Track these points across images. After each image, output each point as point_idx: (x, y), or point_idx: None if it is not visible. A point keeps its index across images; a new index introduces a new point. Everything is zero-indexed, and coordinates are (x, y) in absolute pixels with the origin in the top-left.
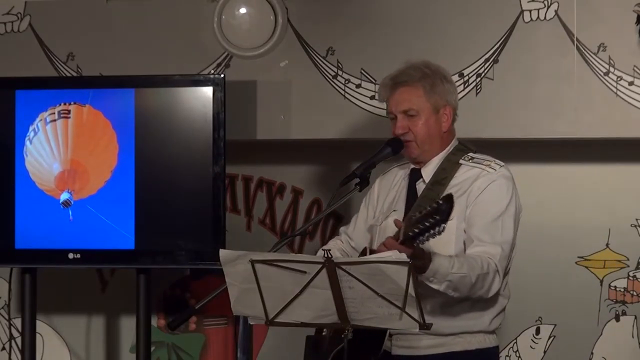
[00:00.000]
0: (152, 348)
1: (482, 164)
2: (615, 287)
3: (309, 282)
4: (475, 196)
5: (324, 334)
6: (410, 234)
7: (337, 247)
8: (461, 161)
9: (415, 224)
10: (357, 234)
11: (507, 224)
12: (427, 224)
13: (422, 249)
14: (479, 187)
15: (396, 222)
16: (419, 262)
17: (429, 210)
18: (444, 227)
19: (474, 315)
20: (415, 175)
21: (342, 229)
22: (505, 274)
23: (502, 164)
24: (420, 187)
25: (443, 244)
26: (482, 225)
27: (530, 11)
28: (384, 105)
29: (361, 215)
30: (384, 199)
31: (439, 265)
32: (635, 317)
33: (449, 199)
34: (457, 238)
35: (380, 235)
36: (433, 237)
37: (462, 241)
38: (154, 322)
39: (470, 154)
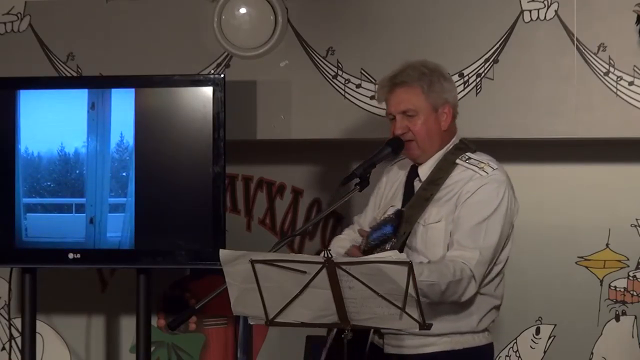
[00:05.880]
0: (152, 348)
1: (476, 166)
2: (615, 287)
3: (309, 282)
4: (464, 199)
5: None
6: (370, 245)
7: (350, 238)
8: (458, 161)
9: (372, 234)
10: (367, 223)
11: (492, 228)
12: (381, 237)
13: None
14: (469, 190)
15: (360, 231)
16: None
17: (379, 223)
18: (394, 241)
19: (462, 316)
20: (413, 173)
21: (355, 218)
22: (499, 274)
23: (496, 166)
24: (417, 185)
25: (432, 245)
26: (465, 229)
27: (530, 11)
28: (384, 105)
29: (370, 205)
30: (388, 191)
31: None
32: (635, 317)
33: (399, 215)
34: (446, 240)
35: None
36: (393, 249)
37: None
38: (154, 322)
39: (468, 154)
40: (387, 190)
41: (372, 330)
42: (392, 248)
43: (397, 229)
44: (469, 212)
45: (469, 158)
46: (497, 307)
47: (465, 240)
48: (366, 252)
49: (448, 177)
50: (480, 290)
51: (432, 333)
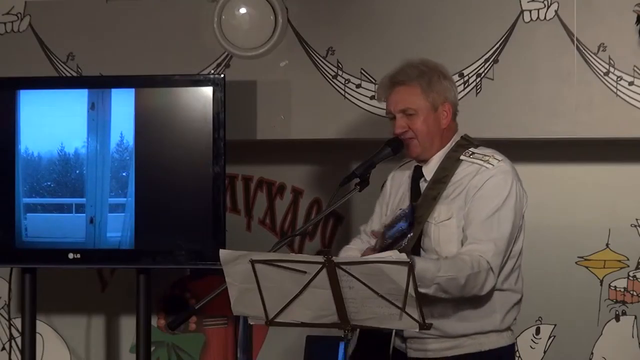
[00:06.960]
0: (152, 348)
1: (481, 160)
2: (615, 287)
3: (309, 282)
4: (472, 193)
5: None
6: (386, 243)
7: (358, 247)
8: (462, 157)
9: (387, 233)
10: None
11: (504, 218)
12: (397, 234)
13: None
14: (476, 184)
15: (373, 233)
16: None
17: (392, 221)
18: (411, 236)
19: (485, 315)
20: (418, 174)
21: (361, 227)
22: (515, 268)
23: (501, 157)
24: (423, 185)
25: (445, 242)
26: (478, 222)
27: (530, 11)
28: (384, 105)
29: (376, 213)
30: (394, 197)
31: (424, 270)
32: (635, 317)
33: (412, 209)
34: (458, 236)
35: None
36: (407, 243)
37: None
38: (154, 322)
39: (472, 149)
40: (393, 196)
41: (394, 333)
42: (409, 242)
43: (412, 224)
44: (480, 205)
45: (473, 153)
46: (519, 303)
47: (478, 233)
48: (383, 250)
49: (454, 174)
50: (502, 286)
51: (456, 334)
